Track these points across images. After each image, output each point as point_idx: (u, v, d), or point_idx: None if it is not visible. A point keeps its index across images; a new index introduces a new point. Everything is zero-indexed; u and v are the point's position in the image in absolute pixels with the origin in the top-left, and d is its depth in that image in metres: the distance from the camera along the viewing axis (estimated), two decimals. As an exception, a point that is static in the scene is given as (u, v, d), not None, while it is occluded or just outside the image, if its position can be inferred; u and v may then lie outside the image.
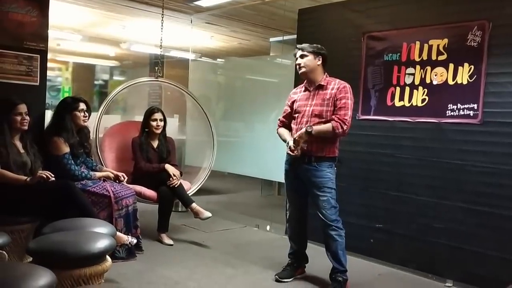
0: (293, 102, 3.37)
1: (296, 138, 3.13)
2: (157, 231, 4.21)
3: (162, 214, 4.22)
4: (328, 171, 3.19)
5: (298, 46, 3.33)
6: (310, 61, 3.25)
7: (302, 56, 3.27)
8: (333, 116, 3.12)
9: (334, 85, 3.22)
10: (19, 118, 3.29)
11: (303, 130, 3.12)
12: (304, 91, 3.33)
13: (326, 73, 3.30)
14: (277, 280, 3.38)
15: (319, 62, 3.27)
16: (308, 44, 3.31)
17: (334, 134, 3.13)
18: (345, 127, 3.10)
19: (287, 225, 3.60)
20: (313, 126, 3.11)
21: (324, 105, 3.18)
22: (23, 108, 3.31)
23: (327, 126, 3.12)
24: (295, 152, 3.12)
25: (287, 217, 3.55)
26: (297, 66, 3.30)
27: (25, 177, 3.19)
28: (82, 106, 3.73)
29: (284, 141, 3.31)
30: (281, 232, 4.56)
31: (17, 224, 3.16)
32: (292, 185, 3.41)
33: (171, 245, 4.11)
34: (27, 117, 3.33)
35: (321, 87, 3.24)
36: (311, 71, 3.26)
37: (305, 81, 3.35)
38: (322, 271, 3.43)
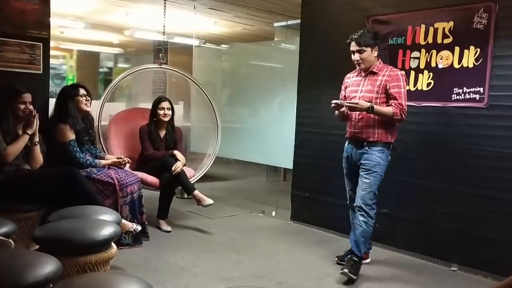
0: (346, 87, 3.39)
1: (357, 105, 3.11)
2: (156, 217, 4.21)
3: (163, 200, 4.23)
4: (378, 156, 3.20)
5: (355, 38, 3.19)
6: (368, 55, 3.21)
7: (360, 51, 3.19)
8: (392, 103, 3.13)
9: (386, 72, 3.21)
10: (22, 106, 3.29)
11: (367, 104, 3.09)
12: (357, 76, 3.34)
13: (379, 59, 3.29)
14: (338, 263, 3.41)
15: (376, 53, 3.24)
16: (365, 35, 3.20)
17: (392, 119, 3.15)
18: (403, 116, 3.14)
19: (349, 204, 3.51)
20: (375, 105, 3.10)
21: (374, 92, 3.19)
22: (27, 97, 3.30)
23: (388, 110, 3.13)
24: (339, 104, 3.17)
25: (348, 200, 3.52)
26: (355, 62, 3.24)
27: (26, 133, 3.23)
28: (82, 91, 3.74)
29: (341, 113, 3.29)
30: (286, 218, 4.57)
31: (23, 212, 3.17)
32: (349, 171, 3.41)
33: (169, 231, 4.11)
34: (30, 107, 3.33)
35: (372, 73, 3.24)
36: (368, 63, 3.23)
37: None
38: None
